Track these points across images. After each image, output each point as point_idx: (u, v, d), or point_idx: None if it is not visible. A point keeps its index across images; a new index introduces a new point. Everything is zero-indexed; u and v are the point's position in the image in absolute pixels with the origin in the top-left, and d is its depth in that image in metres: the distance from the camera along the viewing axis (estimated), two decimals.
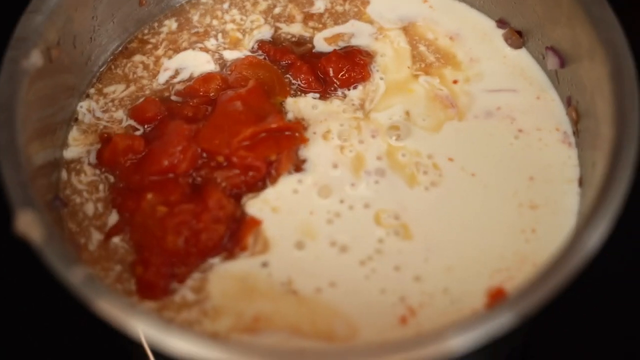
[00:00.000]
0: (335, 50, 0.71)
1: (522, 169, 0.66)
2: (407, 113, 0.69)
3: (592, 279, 0.71)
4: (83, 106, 0.69)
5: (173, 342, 0.51)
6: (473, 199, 0.65)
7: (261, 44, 0.72)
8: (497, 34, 0.72)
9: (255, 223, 0.64)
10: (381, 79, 0.70)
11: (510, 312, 0.52)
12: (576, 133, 0.66)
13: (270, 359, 0.51)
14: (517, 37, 0.71)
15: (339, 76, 0.70)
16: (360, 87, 0.70)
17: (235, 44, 0.72)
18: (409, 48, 0.72)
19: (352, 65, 0.70)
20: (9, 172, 0.56)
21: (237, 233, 0.63)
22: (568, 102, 0.67)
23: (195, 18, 0.73)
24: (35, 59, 0.61)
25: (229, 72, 0.70)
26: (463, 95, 0.69)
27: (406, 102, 0.69)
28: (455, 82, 0.70)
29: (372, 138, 0.67)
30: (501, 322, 0.52)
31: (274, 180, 0.65)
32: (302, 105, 0.69)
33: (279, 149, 0.66)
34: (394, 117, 0.68)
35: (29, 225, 0.54)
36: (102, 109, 0.69)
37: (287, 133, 0.66)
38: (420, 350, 0.51)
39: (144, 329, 0.51)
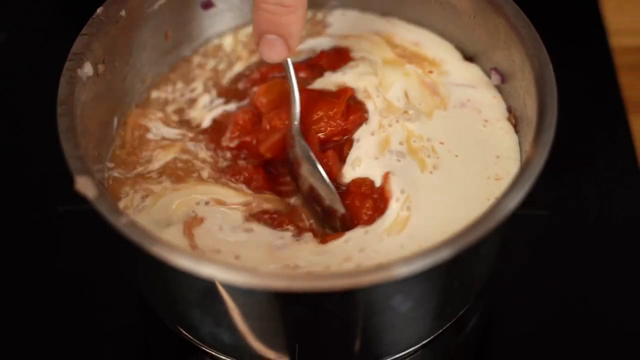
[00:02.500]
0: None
1: (490, 150, 0.80)
2: (406, 94, 0.83)
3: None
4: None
5: (204, 268, 0.65)
6: (457, 176, 0.79)
7: None
8: None
9: None
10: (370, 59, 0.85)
11: (442, 250, 0.66)
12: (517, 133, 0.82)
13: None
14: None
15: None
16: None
17: None
18: (383, 40, 0.87)
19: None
20: (69, 148, 0.71)
21: None
22: (509, 110, 0.83)
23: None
24: (87, 69, 0.77)
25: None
26: (440, 85, 0.85)
27: (402, 83, 0.84)
28: (430, 72, 0.85)
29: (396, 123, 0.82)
30: (438, 257, 0.66)
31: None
32: None
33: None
34: (400, 100, 0.83)
35: (85, 186, 0.68)
36: None
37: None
38: (372, 276, 0.65)
39: (179, 259, 0.66)
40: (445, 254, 0.66)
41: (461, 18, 0.85)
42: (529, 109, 0.76)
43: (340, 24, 0.91)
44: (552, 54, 0.78)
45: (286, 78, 0.80)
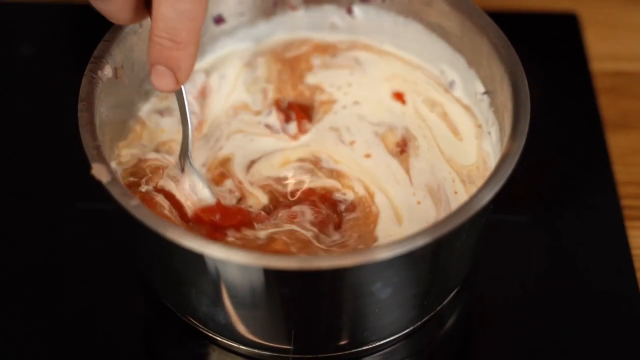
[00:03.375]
0: None
1: None
2: None
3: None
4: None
5: (211, 249, 0.73)
6: None
7: None
8: None
9: None
10: None
11: (420, 238, 0.73)
12: None
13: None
14: None
15: None
16: None
17: None
18: None
19: None
20: (87, 139, 0.78)
21: None
22: None
23: None
24: (107, 71, 0.84)
25: None
26: None
27: None
28: None
29: None
30: (416, 243, 0.73)
31: None
32: None
33: None
34: None
35: (99, 172, 0.76)
36: None
37: None
38: (359, 258, 0.73)
39: (183, 240, 0.73)
40: (423, 241, 0.73)
41: (449, 38, 0.93)
42: (506, 121, 0.83)
43: None
44: (538, 76, 0.86)
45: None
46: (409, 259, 0.75)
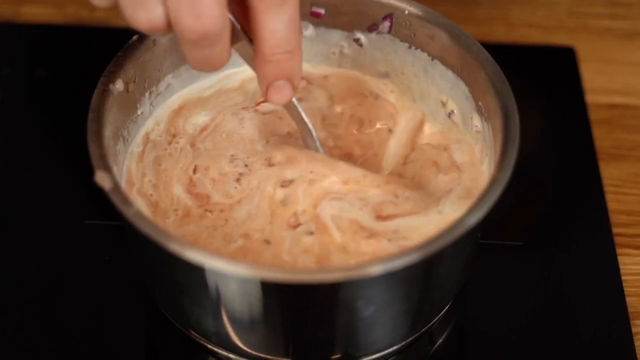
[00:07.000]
0: None
1: None
2: None
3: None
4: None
5: (213, 262, 0.75)
6: None
7: None
8: None
9: None
10: None
11: (410, 255, 0.76)
12: None
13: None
14: None
15: None
16: None
17: None
18: None
19: None
20: (94, 148, 0.81)
21: None
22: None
23: None
24: (119, 85, 0.87)
25: None
26: None
27: None
28: None
29: None
30: (405, 260, 0.76)
31: None
32: None
33: None
34: None
35: (102, 179, 0.79)
36: None
37: None
38: (351, 272, 0.76)
39: (181, 250, 0.75)
40: (404, 261, 0.75)
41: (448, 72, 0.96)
42: (497, 152, 0.86)
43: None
44: (535, 107, 0.92)
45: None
46: (395, 277, 0.78)
